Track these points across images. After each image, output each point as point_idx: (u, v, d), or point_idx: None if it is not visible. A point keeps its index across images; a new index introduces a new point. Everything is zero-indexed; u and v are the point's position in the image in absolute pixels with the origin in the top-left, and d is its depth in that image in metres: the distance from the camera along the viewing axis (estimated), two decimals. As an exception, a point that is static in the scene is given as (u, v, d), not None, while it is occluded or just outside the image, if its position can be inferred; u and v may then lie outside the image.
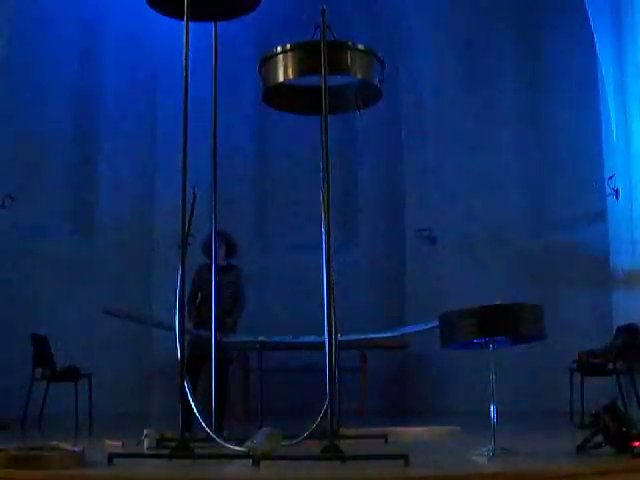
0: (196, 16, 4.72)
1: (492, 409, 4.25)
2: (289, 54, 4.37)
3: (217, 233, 5.83)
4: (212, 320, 5.16)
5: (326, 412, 4.00)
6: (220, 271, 6.42)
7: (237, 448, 4.18)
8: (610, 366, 7.34)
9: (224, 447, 4.24)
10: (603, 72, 8.03)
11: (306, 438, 4.29)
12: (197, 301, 6.40)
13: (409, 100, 10.54)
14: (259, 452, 3.93)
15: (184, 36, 4.47)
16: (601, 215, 8.38)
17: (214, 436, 4.34)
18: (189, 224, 4.45)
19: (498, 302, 4.27)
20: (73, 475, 3.52)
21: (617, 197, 7.84)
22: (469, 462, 4.01)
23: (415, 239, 10.21)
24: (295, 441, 4.27)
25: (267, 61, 4.48)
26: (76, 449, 3.86)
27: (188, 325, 5.95)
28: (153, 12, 4.92)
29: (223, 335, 6.15)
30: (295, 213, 10.19)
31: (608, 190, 7.98)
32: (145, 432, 4.69)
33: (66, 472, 3.51)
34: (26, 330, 8.00)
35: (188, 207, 4.44)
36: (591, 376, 7.34)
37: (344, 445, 4.05)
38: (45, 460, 3.57)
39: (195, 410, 4.45)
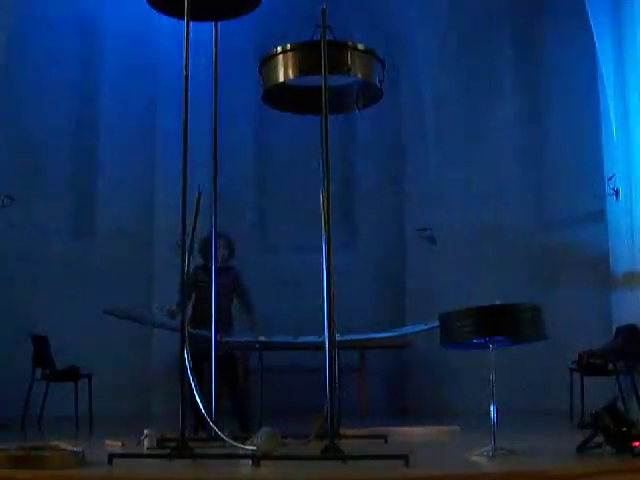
0: (196, 16, 4.73)
1: (492, 409, 4.25)
2: (289, 54, 4.37)
3: (219, 236, 5.87)
4: (212, 320, 5.15)
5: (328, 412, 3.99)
6: (217, 272, 6.46)
7: (237, 448, 4.18)
8: (610, 366, 7.34)
9: (224, 447, 4.24)
10: (603, 72, 8.02)
11: (304, 438, 4.30)
12: (192, 301, 6.43)
13: (409, 100, 10.54)
14: (259, 452, 3.93)
15: (184, 36, 4.47)
16: (601, 215, 8.37)
17: (220, 433, 4.33)
18: (194, 222, 4.46)
19: (498, 302, 4.27)
20: (73, 475, 3.52)
21: (617, 197, 7.83)
22: (469, 462, 4.00)
23: (415, 239, 10.20)
24: (303, 441, 4.28)
25: (267, 61, 4.48)
26: (76, 449, 3.85)
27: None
28: (153, 12, 4.92)
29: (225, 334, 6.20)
30: (295, 213, 10.18)
31: (608, 190, 7.97)
32: (145, 432, 4.69)
33: (66, 472, 3.51)
34: (26, 330, 7.99)
35: (192, 206, 4.44)
36: (591, 376, 7.33)
37: (344, 445, 4.05)
38: (45, 460, 3.56)
39: (202, 409, 4.46)
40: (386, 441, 5.11)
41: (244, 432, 5.66)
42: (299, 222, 9.82)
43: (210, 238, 6.39)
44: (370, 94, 4.77)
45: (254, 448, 4.05)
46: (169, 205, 7.99)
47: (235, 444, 4.22)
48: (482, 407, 4.72)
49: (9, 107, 9.04)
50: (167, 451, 4.10)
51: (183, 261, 4.37)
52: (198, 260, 6.41)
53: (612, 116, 7.90)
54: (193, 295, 6.44)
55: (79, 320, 9.10)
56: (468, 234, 9.86)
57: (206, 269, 6.48)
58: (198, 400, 4.43)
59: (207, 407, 4.66)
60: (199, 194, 4.50)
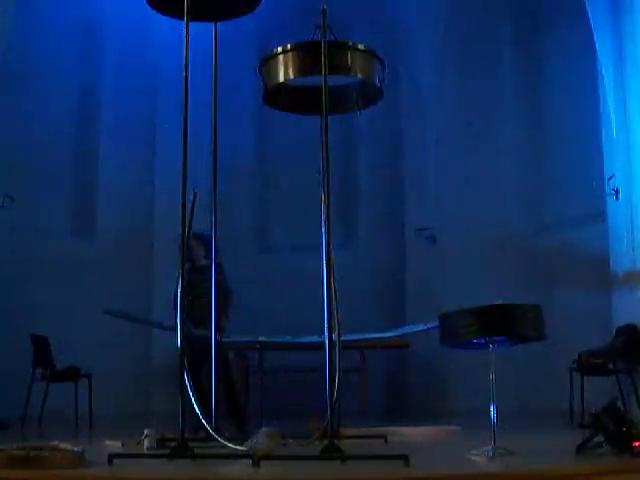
0: (196, 16, 4.72)
1: (492, 409, 4.25)
2: (289, 54, 4.37)
3: (194, 235, 5.86)
4: (212, 321, 5.15)
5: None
6: (201, 271, 6.47)
7: (237, 448, 4.18)
8: (610, 366, 7.34)
9: (224, 447, 4.24)
10: (603, 72, 8.02)
11: (305, 438, 4.30)
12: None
13: (409, 100, 10.55)
14: (259, 452, 3.92)
15: (184, 36, 4.47)
16: (601, 215, 8.38)
17: (214, 435, 4.33)
18: (189, 225, 4.45)
19: (498, 302, 4.27)
20: (73, 475, 3.52)
21: (617, 197, 7.84)
22: (469, 462, 4.00)
23: (415, 239, 10.21)
24: (303, 442, 4.27)
25: (267, 61, 4.48)
26: (76, 449, 3.85)
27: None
28: (153, 12, 4.91)
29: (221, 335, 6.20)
30: (295, 213, 10.19)
31: (608, 190, 7.98)
32: (145, 432, 4.69)
33: (66, 472, 3.50)
34: (26, 330, 8.00)
35: (188, 208, 4.44)
36: (591, 376, 7.33)
37: (344, 445, 4.05)
38: (45, 460, 3.56)
39: (197, 408, 4.46)
40: (386, 441, 5.10)
41: (240, 431, 5.66)
42: (299, 222, 9.83)
43: (187, 238, 6.38)
44: (370, 94, 4.77)
45: (247, 449, 4.04)
46: (169, 205, 7.98)
47: (230, 445, 4.21)
48: (482, 407, 4.72)
49: (9, 107, 9.04)
50: (167, 451, 4.10)
51: (182, 261, 4.37)
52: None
53: (612, 116, 7.90)
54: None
55: (79, 320, 9.11)
56: (468, 234, 9.86)
57: (191, 269, 6.47)
58: (194, 402, 4.42)
59: (207, 408, 4.66)
60: (194, 196, 4.50)
